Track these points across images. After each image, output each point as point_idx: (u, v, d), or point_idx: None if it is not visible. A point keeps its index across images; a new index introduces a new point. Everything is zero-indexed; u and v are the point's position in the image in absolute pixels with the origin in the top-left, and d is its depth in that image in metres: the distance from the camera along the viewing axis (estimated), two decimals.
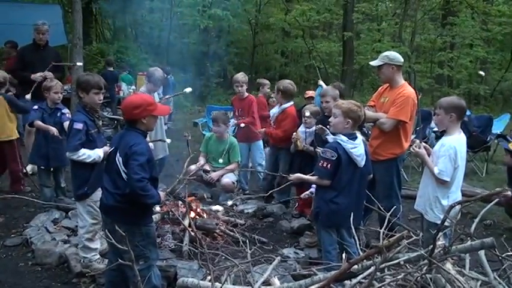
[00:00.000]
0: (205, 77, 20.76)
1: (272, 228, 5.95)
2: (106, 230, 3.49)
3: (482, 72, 12.37)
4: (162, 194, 3.67)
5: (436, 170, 4.23)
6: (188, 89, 6.72)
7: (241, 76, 7.25)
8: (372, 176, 4.65)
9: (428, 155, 4.38)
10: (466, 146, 4.36)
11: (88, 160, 4.30)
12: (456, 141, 4.26)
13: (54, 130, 5.80)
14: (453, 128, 4.31)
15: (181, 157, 8.85)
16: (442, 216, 4.16)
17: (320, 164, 4.21)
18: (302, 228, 5.68)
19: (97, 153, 4.34)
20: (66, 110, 6.02)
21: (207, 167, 6.93)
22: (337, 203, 4.18)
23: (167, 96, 7.54)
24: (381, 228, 3.37)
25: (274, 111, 6.62)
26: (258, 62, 24.90)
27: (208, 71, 20.82)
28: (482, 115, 11.64)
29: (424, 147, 4.41)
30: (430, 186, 4.36)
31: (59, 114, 5.92)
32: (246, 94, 7.28)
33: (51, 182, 6.09)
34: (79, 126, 4.31)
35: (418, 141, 4.47)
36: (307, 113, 6.00)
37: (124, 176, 3.50)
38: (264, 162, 7.28)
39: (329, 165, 4.13)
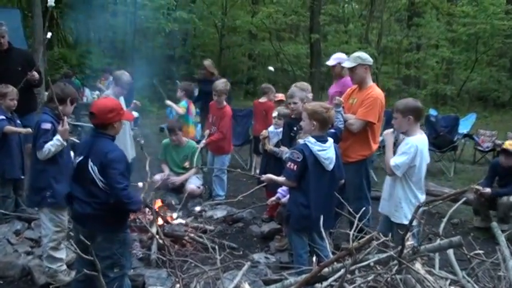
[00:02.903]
0: (172, 82, 20.62)
1: (242, 233, 5.97)
2: (72, 239, 3.44)
3: (271, 68, 12.91)
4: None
5: (392, 162, 4.35)
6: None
7: (221, 85, 6.94)
8: (343, 181, 4.70)
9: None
10: (427, 146, 4.50)
11: (53, 150, 4.22)
12: (418, 141, 4.39)
13: (26, 130, 5.50)
14: (413, 129, 4.43)
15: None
16: (409, 217, 4.28)
17: (287, 165, 4.26)
18: (272, 233, 5.71)
19: (56, 139, 4.24)
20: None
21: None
22: (308, 207, 4.21)
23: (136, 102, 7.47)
24: (350, 230, 3.41)
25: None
26: (225, 65, 24.86)
27: (174, 75, 20.69)
28: (449, 115, 11.91)
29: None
30: (396, 188, 4.46)
31: (18, 121, 5.79)
32: (224, 104, 7.03)
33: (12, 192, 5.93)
34: (47, 126, 4.26)
35: (391, 129, 4.58)
36: (275, 114, 6.08)
37: (100, 184, 3.47)
38: (222, 175, 7.17)
39: (295, 166, 4.18)
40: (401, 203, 4.42)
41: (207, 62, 8.91)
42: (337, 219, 5.37)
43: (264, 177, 4.66)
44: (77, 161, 3.63)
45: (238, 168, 9.07)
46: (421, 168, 4.45)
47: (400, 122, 4.42)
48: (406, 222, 4.39)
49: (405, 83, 21.28)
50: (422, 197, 4.47)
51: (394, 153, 4.49)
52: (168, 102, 8.04)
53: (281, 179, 4.39)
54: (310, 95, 5.88)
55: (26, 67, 6.30)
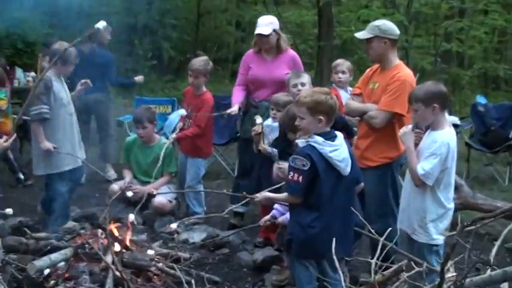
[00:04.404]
0: (133, 59, 20.56)
1: (227, 262, 5.97)
2: None
3: None
4: None
5: (420, 170, 4.40)
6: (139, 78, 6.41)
7: (198, 63, 6.90)
8: (362, 185, 4.70)
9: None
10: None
11: None
12: (449, 137, 4.48)
13: None
14: (440, 121, 4.52)
15: (102, 168, 8.77)
16: (435, 236, 4.43)
17: (290, 176, 4.22)
18: (268, 262, 5.69)
19: None
20: None
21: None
22: (317, 226, 4.20)
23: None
24: (372, 258, 3.41)
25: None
26: (205, 37, 24.81)
27: (136, 51, 20.62)
28: (502, 103, 11.95)
29: (417, 136, 4.58)
30: (419, 197, 4.53)
31: None
32: (204, 90, 7.02)
33: None
34: None
35: (410, 126, 4.65)
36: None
37: None
38: (197, 186, 7.13)
39: (300, 177, 4.14)
40: (426, 218, 4.50)
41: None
42: (356, 243, 5.38)
43: (260, 197, 4.66)
44: None
45: (221, 175, 9.11)
46: (452, 172, 4.56)
47: (423, 113, 4.50)
48: (431, 241, 4.48)
49: (444, 60, 21.30)
50: (451, 206, 4.58)
51: None
52: None
53: (282, 196, 4.39)
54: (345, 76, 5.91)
55: None
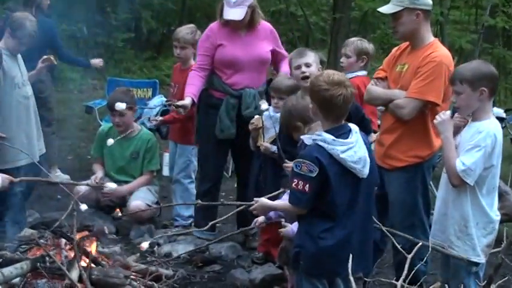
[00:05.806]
0: (106, 32, 20.53)
1: (219, 282, 5.99)
2: None
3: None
4: None
5: (459, 165, 4.37)
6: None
7: (185, 31, 7.03)
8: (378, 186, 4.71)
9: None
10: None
11: None
12: (496, 128, 4.49)
13: None
14: (486, 109, 4.52)
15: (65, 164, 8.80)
16: (478, 250, 4.43)
17: (294, 183, 4.17)
18: (268, 281, 5.72)
19: None
20: None
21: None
22: (330, 238, 4.18)
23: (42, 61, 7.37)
24: (397, 279, 3.42)
25: None
26: (194, 4, 24.80)
27: (109, 22, 20.60)
28: None
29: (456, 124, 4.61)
30: (457, 201, 4.52)
31: None
32: (192, 63, 7.00)
33: None
34: None
35: (448, 112, 4.63)
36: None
37: None
38: (187, 180, 7.13)
39: (306, 185, 4.09)
40: (468, 227, 4.46)
41: None
42: (377, 260, 5.39)
43: (256, 204, 4.63)
44: None
45: None
46: (497, 174, 4.56)
47: (467, 98, 4.46)
48: (472, 257, 4.47)
49: (487, 39, 21.30)
50: (495, 218, 4.56)
51: None
52: None
53: (283, 205, 4.41)
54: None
55: None
